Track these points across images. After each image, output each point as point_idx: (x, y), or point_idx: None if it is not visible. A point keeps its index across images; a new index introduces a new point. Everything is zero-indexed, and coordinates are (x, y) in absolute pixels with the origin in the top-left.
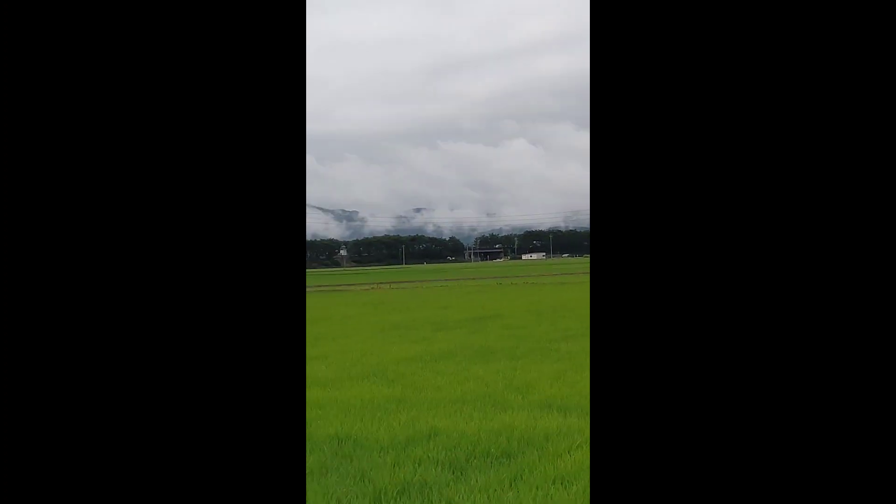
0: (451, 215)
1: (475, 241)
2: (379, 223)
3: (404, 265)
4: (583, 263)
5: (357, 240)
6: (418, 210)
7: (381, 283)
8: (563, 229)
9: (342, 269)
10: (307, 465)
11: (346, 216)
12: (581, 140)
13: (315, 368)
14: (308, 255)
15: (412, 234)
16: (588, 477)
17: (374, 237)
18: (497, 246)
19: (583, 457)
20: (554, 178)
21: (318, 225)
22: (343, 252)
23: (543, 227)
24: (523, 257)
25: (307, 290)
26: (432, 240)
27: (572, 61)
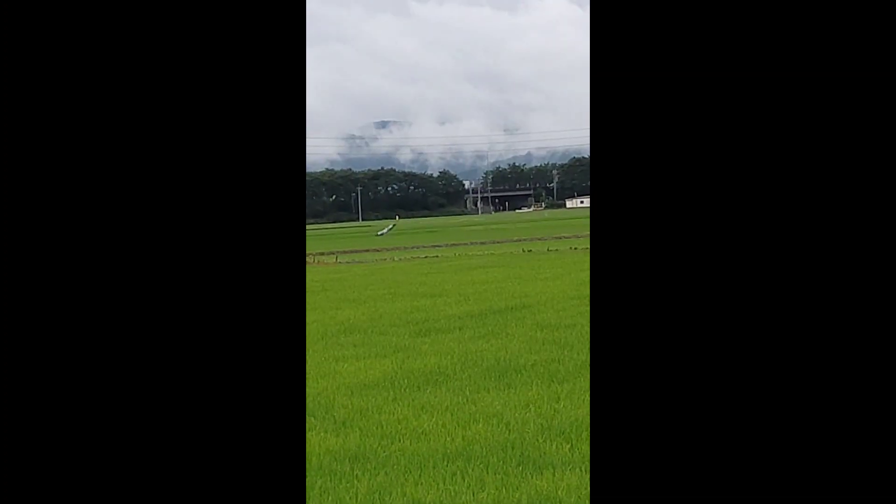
0: (443, 133)
1: (483, 179)
2: (314, 149)
3: (360, 222)
4: None
5: None
6: (383, 125)
7: (320, 253)
8: None
9: None
10: None
11: None
12: None
13: None
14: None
15: (373, 169)
16: None
17: (307, 174)
18: (522, 186)
19: None
20: None
21: None
22: None
23: None
24: (568, 204)
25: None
26: (410, 177)
27: None
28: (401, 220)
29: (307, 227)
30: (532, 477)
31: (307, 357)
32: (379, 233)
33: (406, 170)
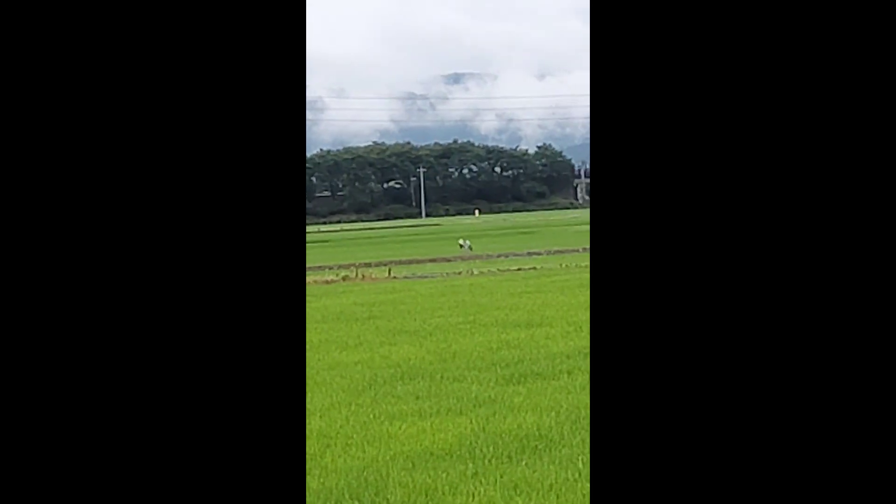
0: (543, 91)
1: None
2: (357, 114)
3: (423, 219)
4: None
5: (310, 156)
6: (456, 79)
7: (366, 264)
8: None
9: None
10: None
11: None
12: None
13: None
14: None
15: (442, 143)
16: None
17: (347, 150)
18: None
19: None
20: None
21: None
22: None
23: None
24: None
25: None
26: (494, 154)
27: None
28: (482, 215)
29: (347, 225)
30: None
31: (347, 411)
32: (461, 242)
33: (489, 143)
